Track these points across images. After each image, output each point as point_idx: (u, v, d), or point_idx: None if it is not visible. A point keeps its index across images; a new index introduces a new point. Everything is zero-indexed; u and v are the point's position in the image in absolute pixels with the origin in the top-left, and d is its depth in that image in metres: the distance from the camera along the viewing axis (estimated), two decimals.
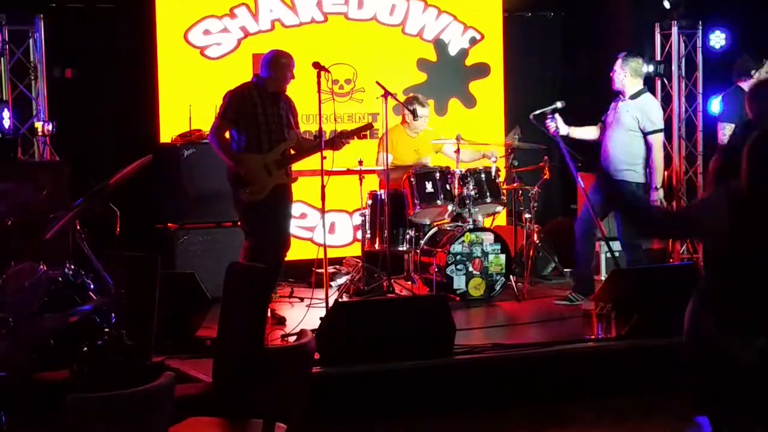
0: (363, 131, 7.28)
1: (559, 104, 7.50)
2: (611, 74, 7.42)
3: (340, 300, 7.20)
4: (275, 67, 6.81)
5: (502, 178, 8.05)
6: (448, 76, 9.33)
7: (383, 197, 7.55)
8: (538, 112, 7.50)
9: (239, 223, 7.23)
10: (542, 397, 5.87)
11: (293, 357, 3.54)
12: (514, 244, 8.04)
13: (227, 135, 6.83)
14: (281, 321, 6.84)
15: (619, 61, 7.39)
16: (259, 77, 6.90)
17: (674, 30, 9.35)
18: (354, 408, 5.57)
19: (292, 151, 6.89)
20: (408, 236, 7.76)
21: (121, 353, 4.03)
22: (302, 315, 6.88)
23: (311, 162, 7.05)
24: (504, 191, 7.98)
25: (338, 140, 6.90)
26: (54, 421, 3.75)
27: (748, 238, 3.54)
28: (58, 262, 5.09)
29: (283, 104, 6.87)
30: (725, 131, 7.34)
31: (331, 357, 5.63)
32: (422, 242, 7.73)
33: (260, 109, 6.76)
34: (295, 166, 7.03)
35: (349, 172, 7.78)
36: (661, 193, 7.29)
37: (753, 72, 7.61)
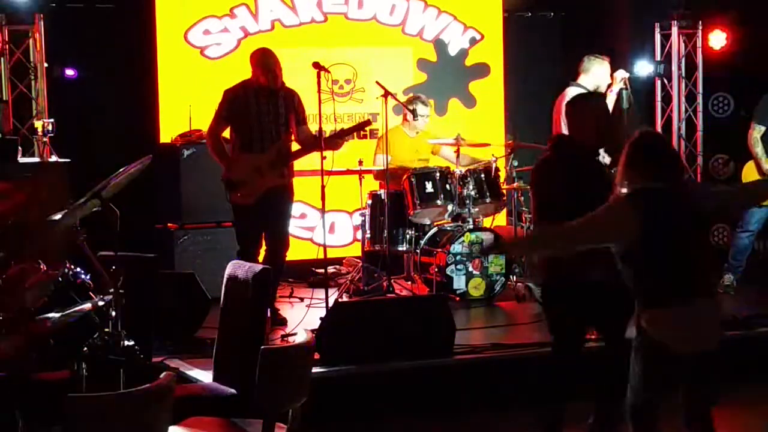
0: (361, 128, 7.22)
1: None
2: None
3: (340, 300, 7.20)
4: (258, 64, 6.74)
5: (502, 179, 8.05)
6: (448, 76, 9.33)
7: (383, 197, 7.55)
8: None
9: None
10: (542, 398, 5.85)
11: (293, 357, 3.54)
12: None
13: (225, 134, 6.81)
14: (282, 322, 6.83)
15: None
16: (253, 75, 6.86)
17: (674, 30, 9.36)
18: (354, 408, 5.57)
19: (286, 151, 6.77)
20: (408, 236, 7.76)
21: (121, 353, 4.02)
22: (302, 315, 6.89)
23: (311, 162, 7.04)
24: (504, 191, 7.98)
25: (337, 140, 6.80)
26: (54, 421, 3.76)
27: None
28: (58, 262, 5.08)
29: (281, 101, 6.75)
30: (755, 132, 7.56)
31: (331, 357, 5.63)
32: (422, 242, 7.73)
33: (254, 108, 6.69)
34: (295, 166, 7.00)
35: (349, 172, 7.78)
36: None
37: None
